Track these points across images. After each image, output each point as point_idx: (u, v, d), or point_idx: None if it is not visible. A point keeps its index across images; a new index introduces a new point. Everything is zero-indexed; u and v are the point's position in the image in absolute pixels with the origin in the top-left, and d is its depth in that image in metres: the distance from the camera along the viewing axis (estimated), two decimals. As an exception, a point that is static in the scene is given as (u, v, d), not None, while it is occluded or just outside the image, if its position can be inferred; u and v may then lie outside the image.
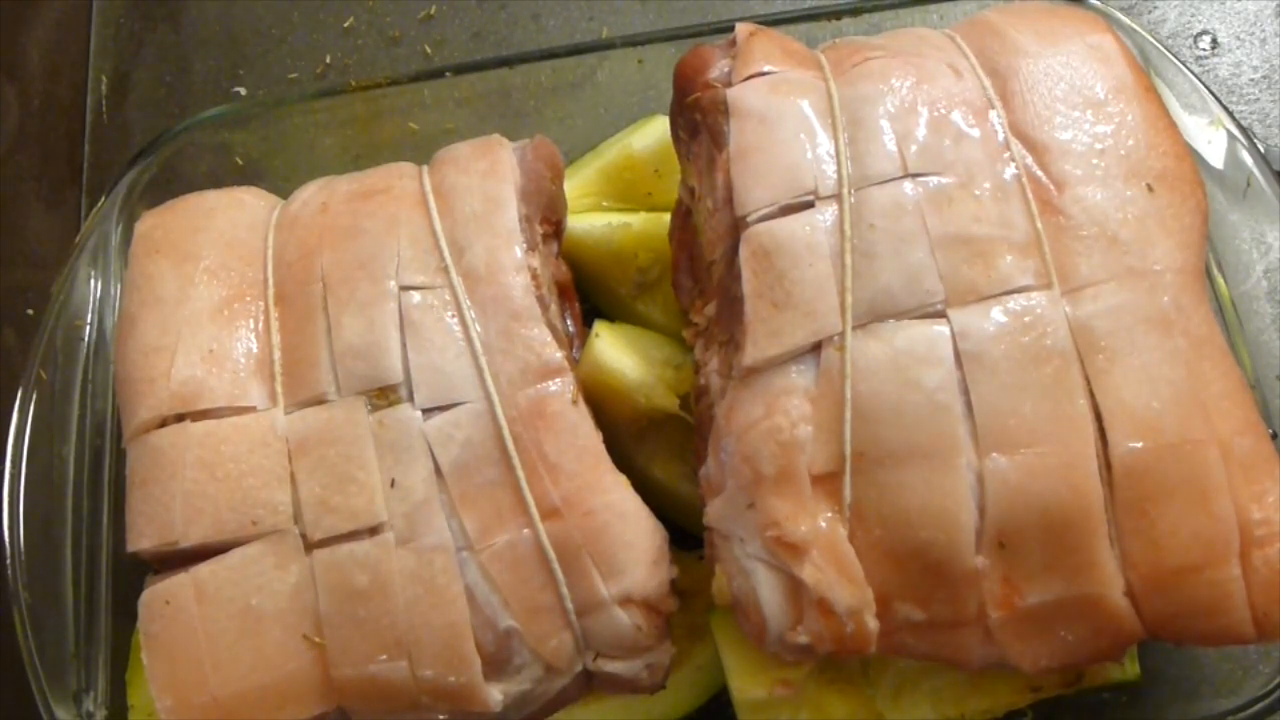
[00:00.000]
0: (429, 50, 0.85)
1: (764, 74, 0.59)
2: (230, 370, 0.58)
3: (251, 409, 0.57)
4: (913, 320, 0.53)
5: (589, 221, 0.71)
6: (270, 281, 0.60)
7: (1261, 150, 0.64)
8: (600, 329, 0.67)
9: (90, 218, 0.70)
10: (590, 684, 0.59)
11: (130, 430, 0.58)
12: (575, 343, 0.67)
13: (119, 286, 0.69)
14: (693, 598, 0.64)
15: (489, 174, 0.61)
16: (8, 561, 0.63)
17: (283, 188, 0.67)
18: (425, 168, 0.65)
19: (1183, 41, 0.81)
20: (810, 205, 0.55)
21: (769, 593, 0.53)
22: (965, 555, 0.52)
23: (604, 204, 0.74)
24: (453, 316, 0.57)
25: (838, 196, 0.55)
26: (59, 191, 0.85)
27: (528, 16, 0.85)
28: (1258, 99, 0.80)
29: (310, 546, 0.55)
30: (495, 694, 0.55)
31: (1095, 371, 0.52)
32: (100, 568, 0.66)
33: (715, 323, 0.59)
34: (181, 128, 0.73)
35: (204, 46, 0.87)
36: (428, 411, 0.56)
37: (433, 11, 0.86)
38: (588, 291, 0.72)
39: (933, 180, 0.55)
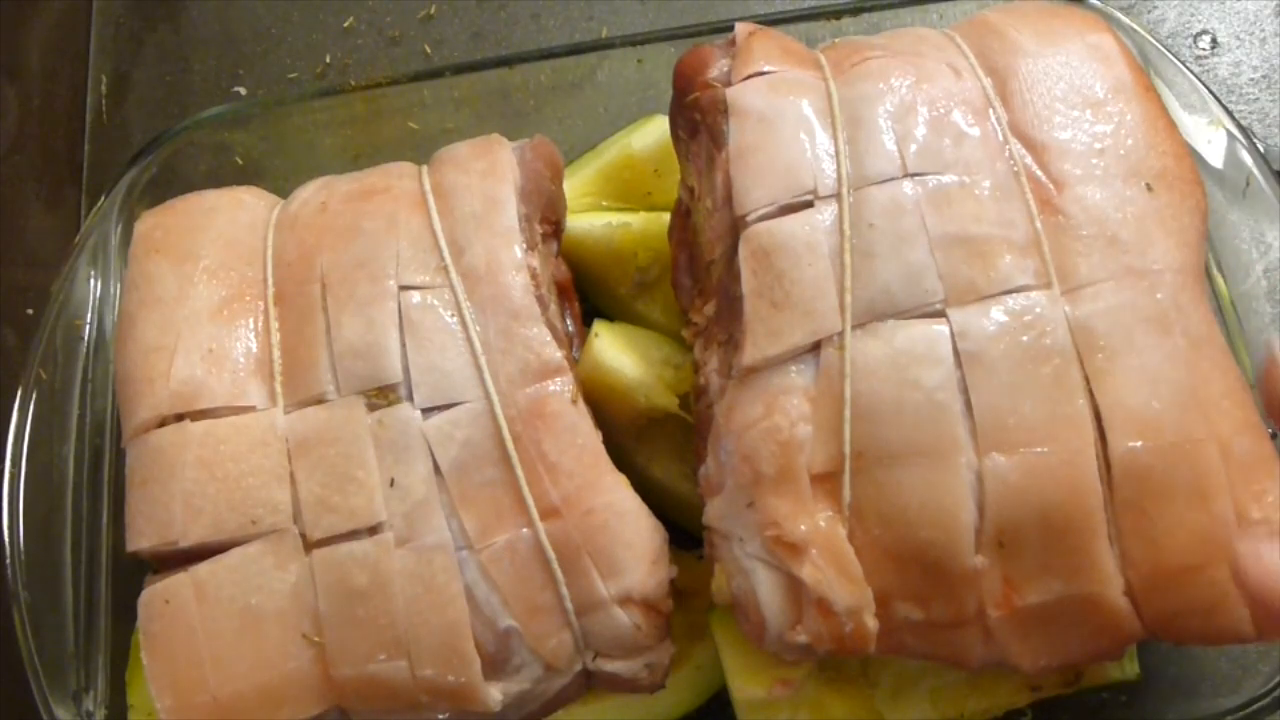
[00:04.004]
0: (429, 50, 0.85)
1: (763, 73, 0.59)
2: (230, 370, 0.58)
3: (251, 409, 0.57)
4: (912, 320, 0.53)
5: (589, 221, 0.71)
6: (270, 281, 0.60)
7: (1261, 150, 0.64)
8: (600, 329, 0.67)
9: (90, 218, 0.70)
10: (590, 683, 0.59)
11: (130, 430, 0.58)
12: (575, 342, 0.67)
13: (119, 286, 0.69)
14: (693, 598, 0.64)
15: (488, 174, 0.61)
16: (8, 561, 0.62)
17: (283, 188, 0.67)
18: (425, 167, 0.65)
19: (1182, 41, 0.81)
20: (810, 205, 0.55)
21: (768, 592, 0.53)
22: (965, 555, 0.52)
23: (603, 204, 0.74)
24: (452, 316, 0.57)
25: (837, 196, 0.55)
26: (59, 191, 0.85)
27: (528, 16, 0.85)
28: (1257, 99, 0.80)
29: (310, 546, 0.55)
30: (495, 693, 0.55)
31: (1094, 371, 0.52)
32: (100, 567, 0.66)
33: (715, 322, 0.59)
34: (181, 128, 0.73)
35: (204, 46, 0.87)
36: (427, 411, 0.56)
37: (432, 11, 0.86)
38: (587, 291, 0.72)
39: (932, 180, 0.55)
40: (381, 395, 0.56)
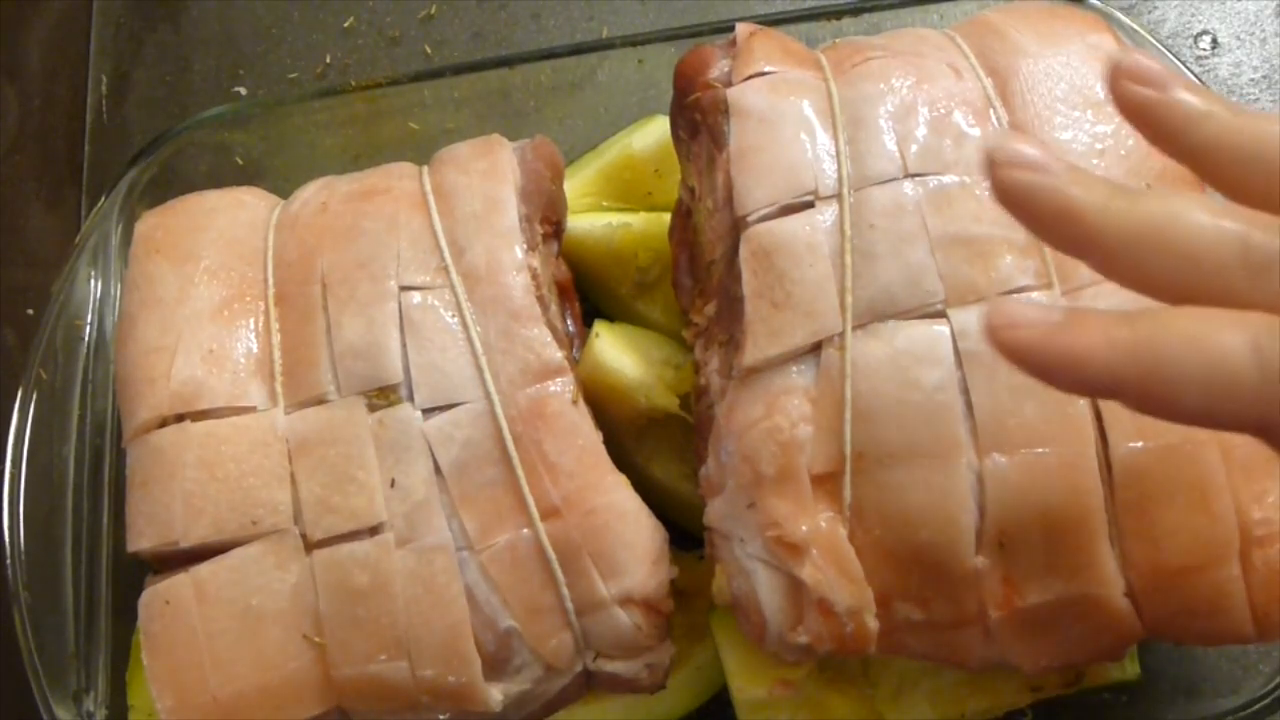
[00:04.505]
0: (429, 50, 0.85)
1: (764, 74, 0.59)
2: (230, 370, 0.58)
3: (251, 409, 0.57)
4: (913, 320, 0.53)
5: (589, 221, 0.71)
6: (270, 281, 0.60)
7: (1261, 150, 0.64)
8: (600, 329, 0.67)
9: (90, 218, 0.70)
10: (590, 684, 0.59)
11: (130, 430, 0.58)
12: (575, 343, 0.67)
13: (119, 286, 0.69)
14: (693, 598, 0.64)
15: (489, 174, 0.61)
16: (8, 561, 0.62)
17: (283, 188, 0.67)
18: (425, 168, 0.65)
19: (1183, 41, 0.81)
20: (810, 205, 0.55)
21: (769, 593, 0.53)
22: (965, 555, 0.52)
23: (604, 204, 0.74)
24: (453, 316, 0.57)
25: (838, 196, 0.55)
26: (59, 191, 0.84)
27: (528, 16, 0.85)
28: (1258, 99, 0.80)
29: (310, 546, 0.55)
30: (495, 694, 0.55)
31: (1095, 371, 0.52)
32: (100, 568, 0.66)
33: (715, 323, 0.59)
34: (181, 128, 0.73)
35: (204, 46, 0.86)
36: (428, 411, 0.56)
37: (433, 11, 0.86)
38: (588, 291, 0.72)
39: (933, 180, 0.55)
40: (382, 395, 0.56)
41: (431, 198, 0.61)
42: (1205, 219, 0.38)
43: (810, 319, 0.53)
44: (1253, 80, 0.80)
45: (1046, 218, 0.40)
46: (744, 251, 0.55)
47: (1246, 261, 0.37)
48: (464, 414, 0.56)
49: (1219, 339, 0.35)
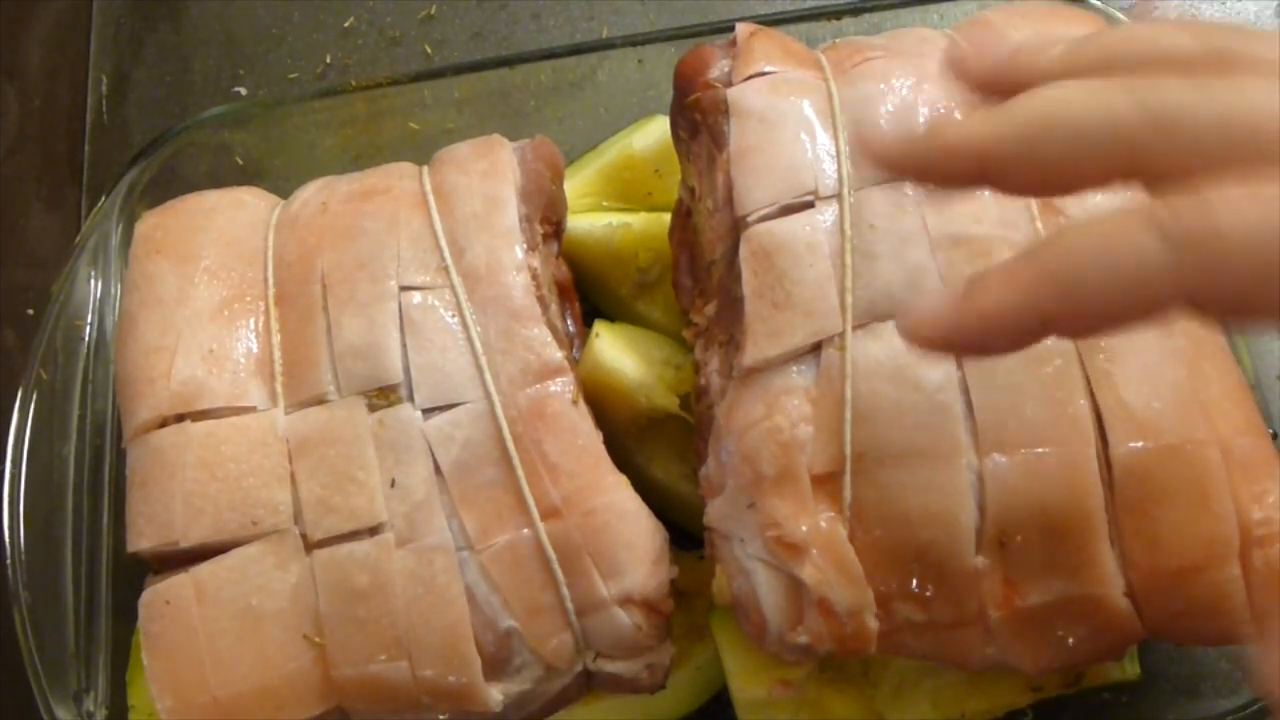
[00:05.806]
0: (429, 50, 0.85)
1: (764, 74, 0.59)
2: (230, 370, 0.58)
3: (252, 409, 0.57)
4: (913, 320, 0.53)
5: (589, 221, 0.71)
6: (270, 281, 0.60)
7: (1261, 149, 0.64)
8: (600, 329, 0.67)
9: (90, 218, 0.70)
10: (590, 684, 0.59)
11: (130, 430, 0.58)
12: (575, 343, 0.67)
13: (119, 286, 0.69)
14: (693, 598, 0.64)
15: (489, 174, 0.61)
16: (8, 561, 0.62)
17: (283, 188, 0.67)
18: (425, 168, 0.64)
19: (1183, 41, 0.81)
20: (810, 205, 0.55)
21: (769, 593, 0.53)
22: (965, 555, 0.52)
23: (604, 204, 0.74)
24: (453, 316, 0.57)
25: (838, 196, 0.55)
26: (59, 191, 0.85)
27: (528, 16, 0.85)
28: (1258, 99, 0.79)
29: (310, 546, 0.55)
30: (495, 694, 0.55)
31: (1095, 371, 0.52)
32: (100, 568, 0.66)
33: (715, 323, 0.59)
34: (181, 128, 0.73)
35: (204, 46, 0.86)
36: (428, 411, 0.56)
37: (433, 11, 0.86)
38: (588, 291, 0.72)
39: (933, 180, 0.55)
40: (382, 396, 0.56)
41: (431, 198, 0.61)
42: (1092, 95, 0.36)
43: (810, 319, 0.53)
44: (1253, 80, 0.80)
45: (938, 169, 0.40)
46: (744, 251, 0.55)
47: (1155, 123, 0.35)
48: (464, 414, 0.56)
49: (1118, 232, 0.35)
